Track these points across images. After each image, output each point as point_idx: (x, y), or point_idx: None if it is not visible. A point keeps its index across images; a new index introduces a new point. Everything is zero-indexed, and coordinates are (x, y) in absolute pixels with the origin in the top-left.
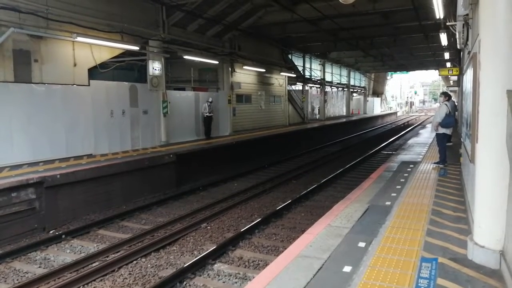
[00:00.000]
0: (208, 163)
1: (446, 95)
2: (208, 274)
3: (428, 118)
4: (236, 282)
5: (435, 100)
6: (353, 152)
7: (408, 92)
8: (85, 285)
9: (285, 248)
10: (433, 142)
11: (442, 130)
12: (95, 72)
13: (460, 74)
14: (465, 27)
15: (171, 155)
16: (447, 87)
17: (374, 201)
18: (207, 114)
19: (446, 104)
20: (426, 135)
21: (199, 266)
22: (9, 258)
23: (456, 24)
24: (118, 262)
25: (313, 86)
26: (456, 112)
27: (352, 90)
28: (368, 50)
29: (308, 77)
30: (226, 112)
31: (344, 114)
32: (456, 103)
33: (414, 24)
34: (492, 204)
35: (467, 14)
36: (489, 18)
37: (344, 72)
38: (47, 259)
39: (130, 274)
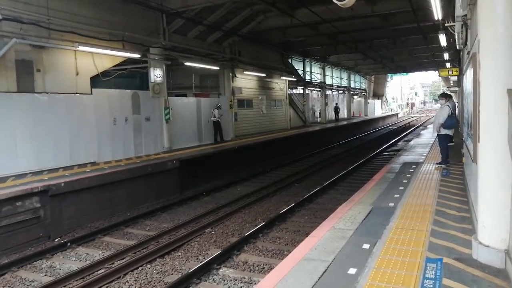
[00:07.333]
0: (211, 168)
1: (446, 96)
2: (213, 279)
3: (429, 119)
4: (241, 287)
5: (436, 100)
6: (355, 154)
7: (409, 93)
8: None
9: (290, 252)
10: (434, 143)
11: (444, 131)
12: (97, 81)
13: (460, 74)
14: (463, 27)
15: (174, 161)
16: (447, 87)
17: (378, 202)
18: (216, 118)
19: (448, 105)
20: (428, 136)
21: (204, 271)
22: (15, 267)
23: (455, 25)
24: (123, 269)
25: (313, 90)
26: (457, 112)
27: (352, 92)
28: (367, 53)
29: (309, 80)
30: (228, 117)
31: (345, 116)
32: (457, 103)
33: (413, 26)
34: (495, 203)
35: (465, 15)
36: (488, 18)
37: (344, 75)
38: (52, 267)
39: (135, 280)
